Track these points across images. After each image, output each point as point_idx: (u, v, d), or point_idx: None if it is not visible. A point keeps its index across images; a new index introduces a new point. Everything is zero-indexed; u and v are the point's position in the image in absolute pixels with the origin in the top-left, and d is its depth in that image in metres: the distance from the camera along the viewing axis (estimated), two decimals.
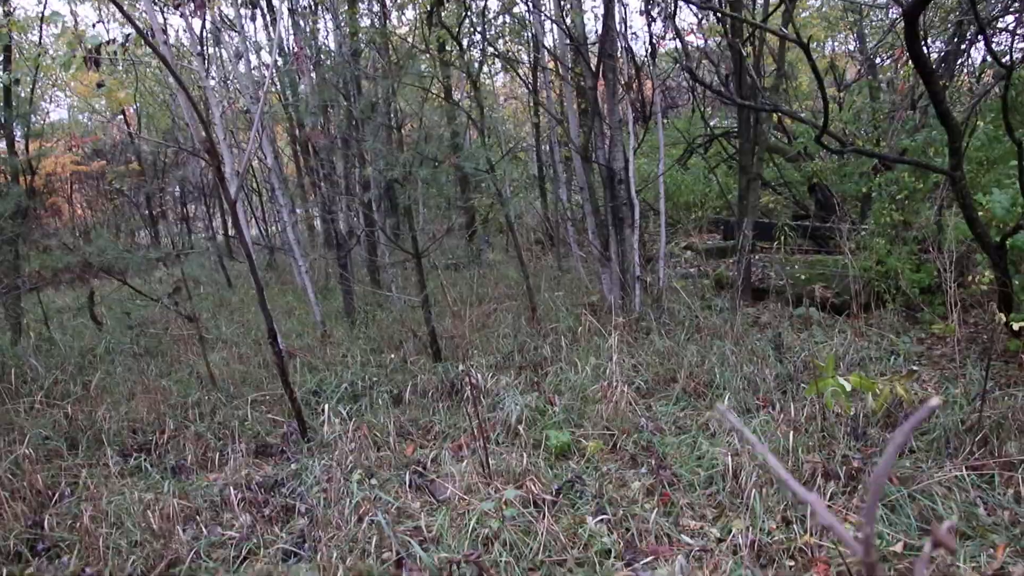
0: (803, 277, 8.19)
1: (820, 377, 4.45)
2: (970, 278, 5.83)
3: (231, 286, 11.81)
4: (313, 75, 6.28)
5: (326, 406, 5.06)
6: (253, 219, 16.02)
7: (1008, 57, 7.85)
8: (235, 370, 6.36)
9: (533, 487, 3.65)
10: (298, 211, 12.41)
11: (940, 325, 5.71)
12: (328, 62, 5.84)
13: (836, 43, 16.24)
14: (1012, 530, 3.39)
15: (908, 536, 3.27)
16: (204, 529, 3.74)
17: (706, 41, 13.43)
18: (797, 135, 11.32)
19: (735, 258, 10.02)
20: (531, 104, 12.17)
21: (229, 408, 5.35)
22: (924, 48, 4.69)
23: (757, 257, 10.14)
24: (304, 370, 6.17)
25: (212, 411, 5.36)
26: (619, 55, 7.19)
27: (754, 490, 3.62)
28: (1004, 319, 5.35)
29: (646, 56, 8.43)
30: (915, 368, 4.90)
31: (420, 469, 4.21)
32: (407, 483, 3.95)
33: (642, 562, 3.08)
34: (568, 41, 7.31)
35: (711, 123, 13.94)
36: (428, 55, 5.88)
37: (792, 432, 4.40)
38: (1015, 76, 6.74)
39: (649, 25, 9.63)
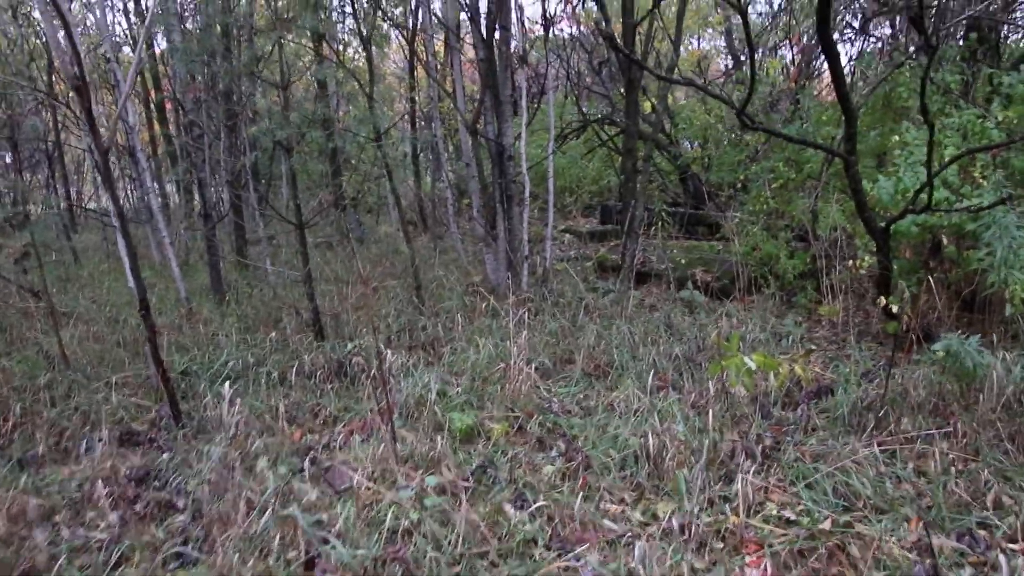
0: (684, 261, 8.28)
1: (724, 356, 4.41)
2: (850, 263, 5.99)
3: (77, 260, 10.79)
4: (189, 24, 5.72)
5: (204, 386, 4.59)
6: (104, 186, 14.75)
7: (934, 36, 8.10)
8: (90, 349, 5.71)
9: (448, 473, 3.38)
10: (166, 180, 11.50)
11: (827, 307, 5.84)
12: (210, 9, 5.32)
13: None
14: (919, 502, 3.43)
15: (833, 512, 3.24)
16: (64, 531, 3.25)
17: (579, 27, 13.48)
18: (677, 124, 11.49)
19: (616, 242, 10.06)
20: (408, 79, 11.78)
21: (87, 392, 4.76)
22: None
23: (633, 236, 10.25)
24: (172, 350, 5.61)
25: (67, 395, 4.75)
26: (512, 28, 6.97)
27: (675, 471, 3.50)
28: (884, 301, 5.52)
29: (536, 35, 8.26)
30: (812, 347, 4.96)
31: (312, 456, 3.85)
32: (303, 471, 3.59)
33: (573, 551, 2.88)
34: (461, 7, 7.03)
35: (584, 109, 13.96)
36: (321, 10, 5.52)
37: (701, 413, 4.35)
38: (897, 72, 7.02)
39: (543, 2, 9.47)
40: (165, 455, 3.94)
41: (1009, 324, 5.77)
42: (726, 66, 15.25)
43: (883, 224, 5.20)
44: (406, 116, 11.65)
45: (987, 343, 5.33)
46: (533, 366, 5.00)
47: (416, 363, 5.08)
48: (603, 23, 9.20)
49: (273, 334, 5.61)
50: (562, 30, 13.58)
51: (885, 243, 5.28)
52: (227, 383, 4.49)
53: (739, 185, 9.30)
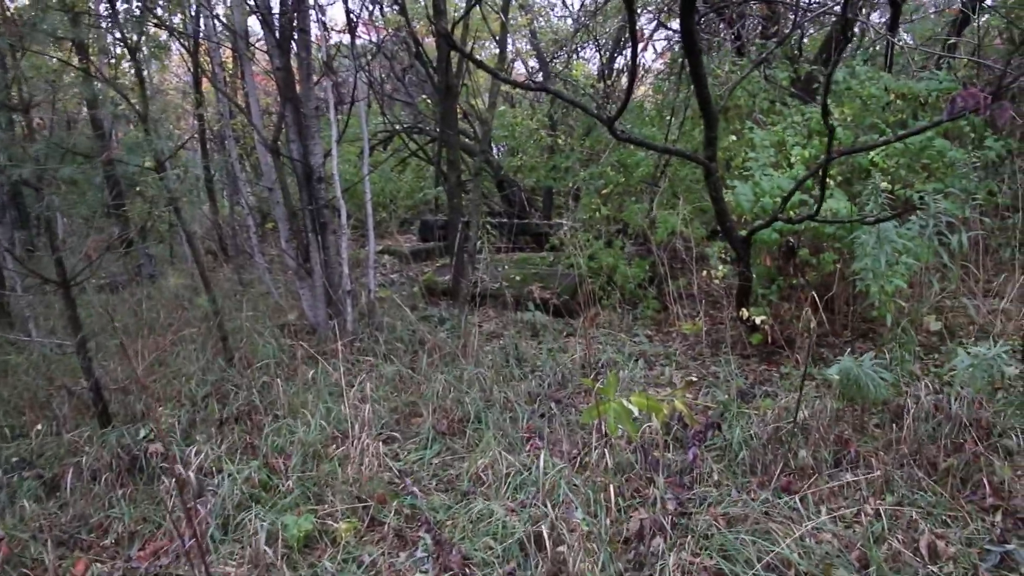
0: (518, 278, 7.70)
1: (599, 399, 3.81)
2: (704, 273, 5.63)
3: None
4: None
5: None
6: None
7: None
8: None
9: None
10: None
11: (689, 325, 5.42)
12: None
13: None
14: (849, 557, 2.97)
15: None
16: None
17: (378, 33, 12.66)
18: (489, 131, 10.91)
19: (442, 261, 9.35)
20: (194, 94, 10.49)
21: None
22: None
23: (465, 256, 9.57)
24: None
25: None
26: (313, 31, 6.07)
27: (580, 563, 2.83)
28: (747, 313, 5.17)
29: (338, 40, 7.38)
30: (693, 378, 4.47)
31: None
32: None
33: None
34: (250, 10, 6.04)
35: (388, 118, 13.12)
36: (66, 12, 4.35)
37: (583, 471, 3.74)
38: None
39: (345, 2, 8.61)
40: None
41: (861, 324, 5.62)
42: (532, 69, 14.90)
43: (745, 232, 4.82)
44: (195, 136, 10.34)
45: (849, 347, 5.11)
46: (376, 432, 4.18)
47: (231, 447, 4.11)
48: (409, 25, 8.47)
49: (39, 425, 4.41)
50: (361, 36, 12.73)
51: (746, 252, 4.92)
52: None
53: (571, 192, 8.85)
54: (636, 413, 3.81)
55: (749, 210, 4.90)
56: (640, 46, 9.91)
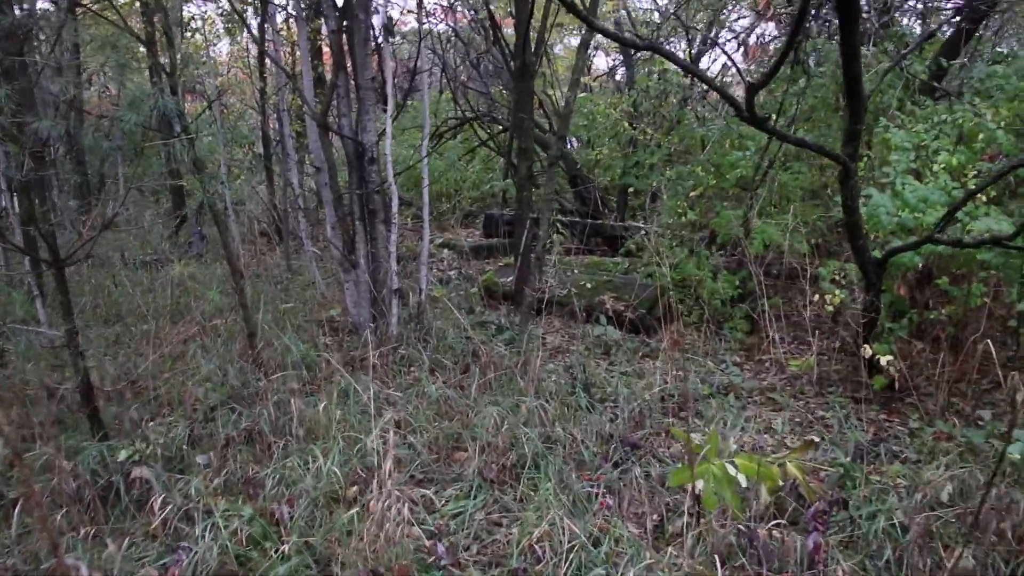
0: (589, 285, 6.82)
1: (696, 460, 2.93)
2: (816, 297, 4.68)
3: None
4: None
5: None
6: None
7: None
8: None
9: None
10: None
11: (798, 361, 4.47)
12: None
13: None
14: None
15: None
16: None
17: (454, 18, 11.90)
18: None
19: (505, 260, 8.53)
20: (255, 63, 9.88)
21: None
22: None
23: (532, 259, 8.71)
24: None
25: None
26: None
27: None
28: (870, 351, 4.20)
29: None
30: (814, 439, 3.54)
31: None
32: None
33: None
34: None
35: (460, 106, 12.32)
36: None
37: (664, 545, 2.87)
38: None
39: None
40: None
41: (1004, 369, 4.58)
42: (614, 61, 13.95)
43: (880, 253, 3.86)
44: (253, 106, 9.71)
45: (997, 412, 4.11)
46: (408, 475, 3.37)
47: (230, 478, 3.34)
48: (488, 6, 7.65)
49: (7, 428, 3.69)
50: (435, 23, 11.99)
51: (879, 278, 3.96)
52: None
53: (652, 192, 7.91)
54: (743, 482, 2.94)
55: (886, 226, 3.93)
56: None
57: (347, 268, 5.72)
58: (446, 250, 9.05)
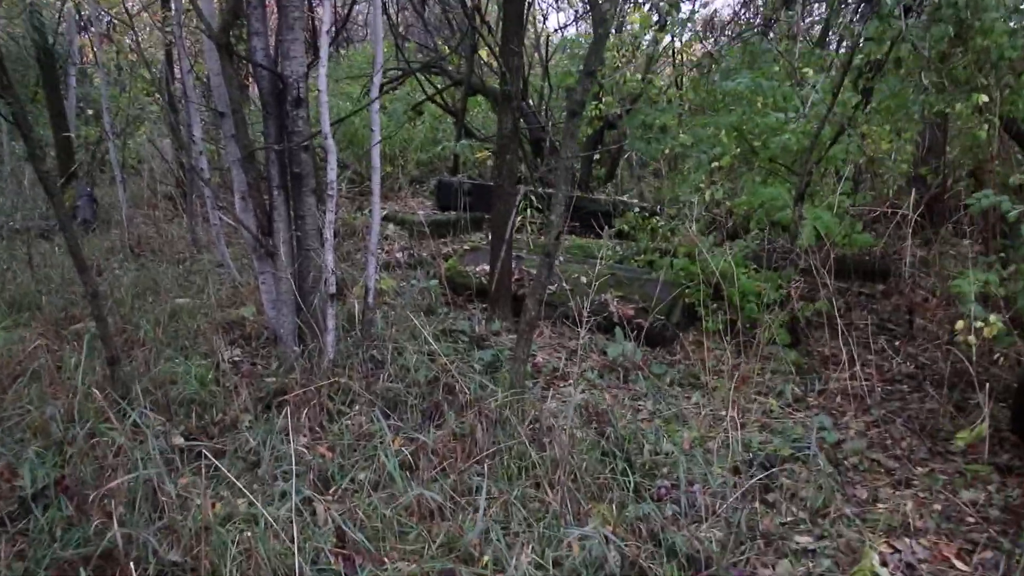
0: (583, 279, 5.23)
1: None
2: (958, 324, 3.19)
3: None
4: None
5: None
6: None
7: None
8: None
9: None
10: None
11: (965, 433, 2.94)
12: None
13: None
14: None
15: None
16: None
17: None
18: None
19: (467, 238, 6.87)
20: None
21: None
22: None
23: (478, 238, 7.04)
24: None
25: None
26: None
27: None
28: None
29: None
30: None
31: None
32: None
33: None
34: None
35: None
36: None
37: None
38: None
39: None
40: None
41: None
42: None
43: None
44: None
45: None
46: None
47: None
48: None
49: None
50: None
51: None
52: None
53: (667, 160, 6.30)
54: None
55: None
56: None
57: (262, 256, 4.02)
58: (391, 225, 7.31)
